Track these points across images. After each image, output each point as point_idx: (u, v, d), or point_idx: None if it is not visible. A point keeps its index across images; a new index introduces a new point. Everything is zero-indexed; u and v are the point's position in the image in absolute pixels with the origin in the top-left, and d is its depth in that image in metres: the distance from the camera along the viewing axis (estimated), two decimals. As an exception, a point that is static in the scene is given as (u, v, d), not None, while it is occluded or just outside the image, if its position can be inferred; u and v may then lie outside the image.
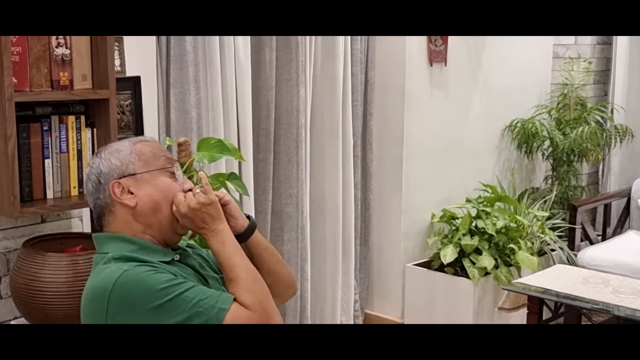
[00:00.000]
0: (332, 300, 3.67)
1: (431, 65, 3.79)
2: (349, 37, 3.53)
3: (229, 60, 3.06)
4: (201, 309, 1.46)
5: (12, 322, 2.42)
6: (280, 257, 1.75)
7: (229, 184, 2.52)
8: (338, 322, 3.71)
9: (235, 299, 1.50)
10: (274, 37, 3.24)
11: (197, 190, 1.59)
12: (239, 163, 3.11)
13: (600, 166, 4.66)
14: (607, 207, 4.35)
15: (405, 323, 3.79)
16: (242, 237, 1.65)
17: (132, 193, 1.57)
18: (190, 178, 2.48)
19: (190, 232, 1.66)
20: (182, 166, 2.47)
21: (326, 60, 3.50)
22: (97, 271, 1.54)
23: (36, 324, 2.27)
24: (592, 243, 4.06)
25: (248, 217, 1.70)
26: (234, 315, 1.47)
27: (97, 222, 1.62)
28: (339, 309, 3.71)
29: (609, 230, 4.32)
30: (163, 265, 1.54)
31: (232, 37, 3.04)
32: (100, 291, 1.47)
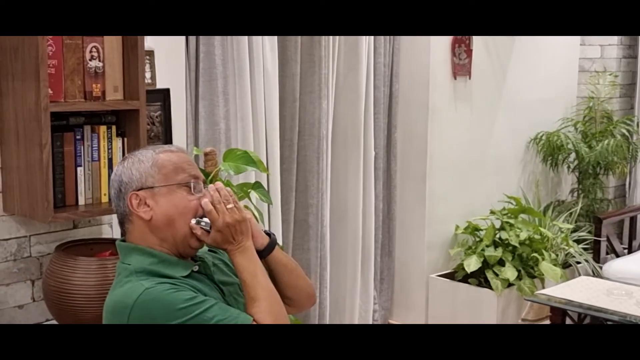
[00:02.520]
0: (350, 310, 3.71)
1: (455, 78, 3.83)
2: (372, 50, 3.59)
3: (257, 73, 3.13)
4: None
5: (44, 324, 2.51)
6: (300, 272, 1.75)
7: (253, 193, 2.59)
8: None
9: (254, 319, 1.52)
10: (299, 51, 3.32)
11: (230, 206, 1.58)
12: (267, 174, 3.18)
13: (627, 179, 4.64)
14: (633, 220, 4.33)
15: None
16: (261, 254, 1.66)
17: (148, 206, 1.58)
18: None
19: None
20: (207, 175, 2.55)
21: (349, 73, 3.56)
22: (119, 283, 1.58)
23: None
24: (618, 256, 4.04)
25: (268, 234, 1.69)
26: None
27: (120, 228, 1.66)
28: (357, 318, 3.74)
29: (635, 243, 4.30)
30: (183, 281, 1.55)
31: (261, 50, 3.11)
32: (121, 306, 1.51)
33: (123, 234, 1.66)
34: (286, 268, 1.71)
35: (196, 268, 1.63)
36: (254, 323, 1.51)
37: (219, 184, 1.63)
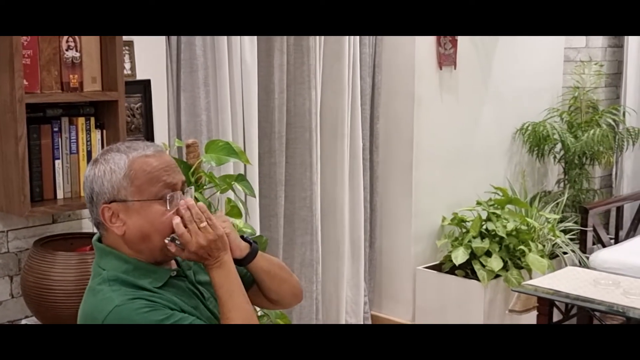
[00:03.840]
0: (339, 303, 3.67)
1: (441, 68, 3.80)
2: (357, 41, 3.56)
3: (236, 64, 3.09)
4: None
5: (23, 321, 2.45)
6: (283, 276, 1.70)
7: (236, 185, 2.55)
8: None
9: None
10: (285, 40, 3.27)
11: (203, 225, 1.51)
12: (245, 165, 3.14)
13: (613, 169, 4.64)
14: (619, 210, 4.33)
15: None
16: (242, 263, 1.62)
17: (121, 220, 1.51)
18: (198, 179, 2.52)
19: None
20: (189, 168, 2.51)
21: (334, 64, 3.52)
22: (92, 291, 1.52)
23: (44, 322, 2.30)
24: (604, 246, 4.03)
25: (249, 241, 1.64)
26: None
27: (96, 228, 1.60)
28: (345, 310, 3.71)
29: (622, 233, 4.30)
30: (158, 295, 1.49)
31: (239, 40, 3.07)
32: (91, 320, 1.47)
33: (99, 234, 1.60)
34: (268, 275, 1.66)
35: (174, 273, 1.57)
36: None
37: (189, 201, 1.53)
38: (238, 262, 1.60)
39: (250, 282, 1.67)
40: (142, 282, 1.50)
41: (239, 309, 1.51)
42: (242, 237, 1.65)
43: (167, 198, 1.51)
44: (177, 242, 1.52)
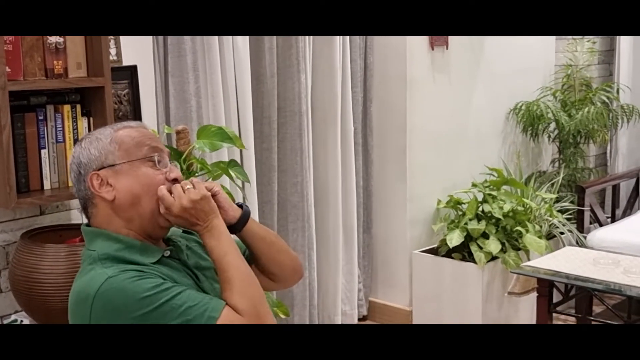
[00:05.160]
0: (334, 290, 3.63)
1: (432, 49, 3.74)
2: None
3: (227, 48, 3.02)
4: (190, 316, 1.38)
5: (12, 317, 2.38)
6: (282, 245, 1.67)
7: (230, 171, 2.48)
8: (340, 312, 3.66)
9: (227, 304, 1.43)
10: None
11: (188, 187, 1.49)
12: (240, 151, 3.07)
13: (608, 147, 4.60)
14: (615, 188, 4.29)
15: (413, 310, 3.74)
16: (235, 227, 1.57)
17: (111, 185, 1.49)
18: (189, 166, 2.45)
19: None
20: (180, 155, 2.44)
21: (324, 46, 3.46)
22: (83, 271, 1.49)
23: (34, 317, 2.24)
24: (601, 225, 4.00)
25: (241, 205, 1.61)
26: (225, 322, 1.40)
27: (84, 213, 1.57)
28: (341, 297, 3.66)
29: (618, 212, 4.27)
30: (151, 267, 1.46)
31: (229, 23, 2.99)
32: (83, 296, 1.42)
33: (88, 219, 1.56)
34: (264, 241, 1.62)
35: (167, 253, 1.53)
36: (227, 307, 1.42)
37: (172, 168, 1.54)
38: (232, 227, 1.56)
39: (249, 260, 1.62)
40: (135, 258, 1.47)
41: (235, 268, 1.47)
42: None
43: (156, 157, 1.52)
44: None
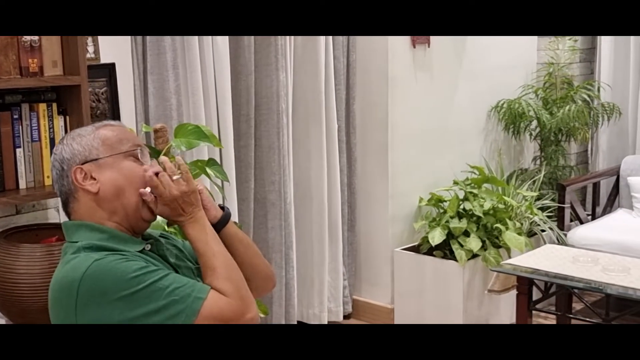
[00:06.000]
0: (319, 287, 3.63)
1: (414, 47, 3.74)
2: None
3: (207, 45, 3.00)
4: (177, 297, 1.40)
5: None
6: (257, 250, 1.70)
7: (208, 170, 2.47)
8: (326, 309, 3.67)
9: (212, 288, 1.46)
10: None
11: (176, 177, 1.52)
12: (220, 150, 3.06)
13: (589, 145, 4.62)
14: (596, 186, 4.31)
15: (395, 308, 3.75)
16: (215, 227, 1.59)
17: (94, 179, 1.51)
18: (167, 165, 2.44)
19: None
20: (158, 153, 2.42)
21: (307, 43, 3.45)
22: (65, 260, 1.49)
23: (10, 317, 2.22)
24: (582, 222, 4.02)
25: (222, 207, 1.64)
26: (212, 303, 1.43)
27: (64, 210, 1.58)
28: (327, 295, 3.67)
29: (599, 209, 4.29)
30: (135, 254, 1.49)
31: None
32: (69, 280, 1.42)
33: (68, 215, 1.56)
34: (242, 243, 1.64)
35: (148, 247, 1.55)
36: (213, 291, 1.45)
37: (163, 158, 1.56)
38: (212, 226, 1.58)
39: None
40: (119, 247, 1.48)
41: (218, 254, 1.51)
42: None
43: (138, 151, 1.55)
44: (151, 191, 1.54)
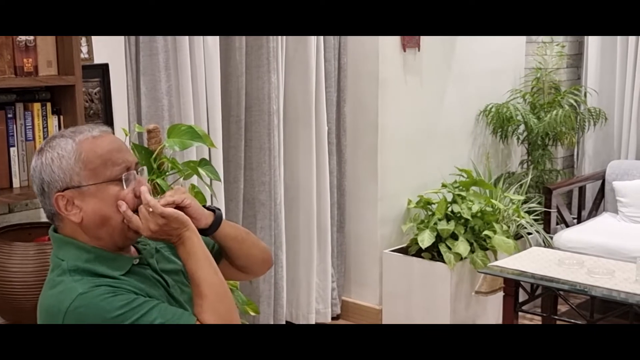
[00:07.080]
0: (308, 289, 3.66)
1: (404, 50, 3.78)
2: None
3: (197, 46, 3.03)
4: None
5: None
6: (252, 241, 1.69)
7: (200, 170, 2.50)
8: (314, 310, 3.69)
9: (197, 319, 1.43)
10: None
11: (151, 209, 1.46)
12: (209, 150, 3.08)
13: (575, 149, 4.68)
14: (582, 190, 4.37)
15: (383, 309, 3.78)
16: (206, 232, 1.58)
17: (77, 207, 1.45)
18: (160, 165, 2.46)
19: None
20: (151, 153, 2.44)
21: (298, 46, 3.48)
22: (52, 282, 1.45)
23: (3, 316, 2.23)
24: (567, 226, 4.08)
25: (214, 210, 1.61)
26: None
27: (50, 221, 1.53)
28: (315, 296, 3.69)
29: (584, 213, 4.34)
30: (122, 281, 1.44)
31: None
32: (55, 311, 1.40)
33: (54, 228, 1.53)
34: (236, 240, 1.64)
35: (136, 261, 1.52)
36: (198, 323, 1.42)
37: (143, 188, 1.48)
38: (204, 231, 1.56)
39: (219, 256, 1.64)
40: (105, 271, 1.45)
41: (208, 284, 1.46)
42: (205, 206, 1.62)
43: (123, 177, 1.47)
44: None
